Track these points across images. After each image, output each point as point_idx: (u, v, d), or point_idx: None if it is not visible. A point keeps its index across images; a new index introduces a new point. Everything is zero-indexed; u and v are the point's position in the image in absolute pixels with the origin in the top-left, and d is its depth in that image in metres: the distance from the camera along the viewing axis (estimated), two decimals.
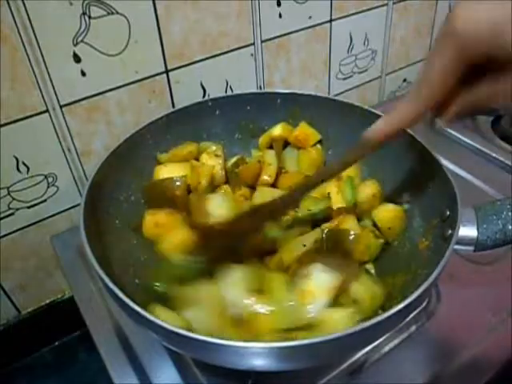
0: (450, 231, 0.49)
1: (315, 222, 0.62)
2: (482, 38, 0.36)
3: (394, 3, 0.95)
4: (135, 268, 0.56)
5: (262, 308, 0.48)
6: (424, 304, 0.62)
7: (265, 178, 0.68)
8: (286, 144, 0.72)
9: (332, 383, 0.55)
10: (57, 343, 0.85)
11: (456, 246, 0.47)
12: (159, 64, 0.72)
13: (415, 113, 0.43)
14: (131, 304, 0.43)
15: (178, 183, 0.62)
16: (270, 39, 0.81)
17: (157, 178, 0.65)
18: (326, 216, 0.62)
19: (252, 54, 0.81)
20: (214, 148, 0.69)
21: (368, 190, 0.63)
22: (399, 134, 0.46)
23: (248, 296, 0.49)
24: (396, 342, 0.59)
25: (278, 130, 0.71)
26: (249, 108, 0.72)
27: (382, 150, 0.65)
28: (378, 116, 0.64)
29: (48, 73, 0.63)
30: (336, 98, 0.73)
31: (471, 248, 0.49)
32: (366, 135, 0.47)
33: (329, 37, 0.90)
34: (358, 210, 0.63)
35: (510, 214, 0.47)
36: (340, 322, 0.47)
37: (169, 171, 0.65)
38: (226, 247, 0.55)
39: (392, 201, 0.63)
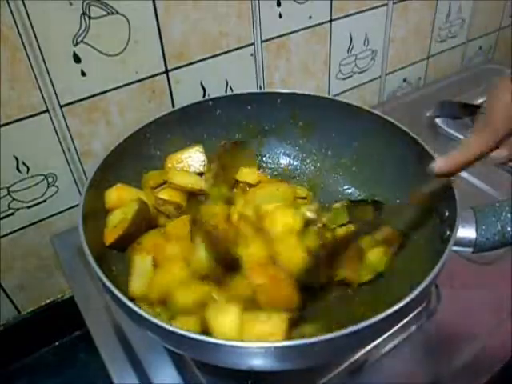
0: (448, 232, 0.49)
1: None
2: None
3: (393, 3, 0.95)
4: None
5: None
6: (424, 304, 0.62)
7: None
8: None
9: (332, 383, 0.55)
10: (57, 343, 0.85)
11: (455, 247, 0.47)
12: (159, 64, 0.72)
13: (480, 149, 0.45)
14: (130, 304, 0.43)
15: None
16: (269, 39, 0.81)
17: None
18: None
19: (252, 54, 0.81)
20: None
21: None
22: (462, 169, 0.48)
23: None
24: (396, 342, 0.59)
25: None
26: (249, 108, 0.72)
27: (381, 149, 0.66)
28: (378, 116, 0.64)
29: (48, 73, 0.63)
30: (336, 98, 0.73)
31: (470, 249, 0.49)
32: (433, 170, 0.49)
33: (329, 37, 0.90)
34: None
35: (509, 215, 0.47)
36: None
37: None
38: None
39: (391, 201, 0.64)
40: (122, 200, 0.58)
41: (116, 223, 0.56)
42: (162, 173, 0.66)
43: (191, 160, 0.69)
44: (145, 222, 0.58)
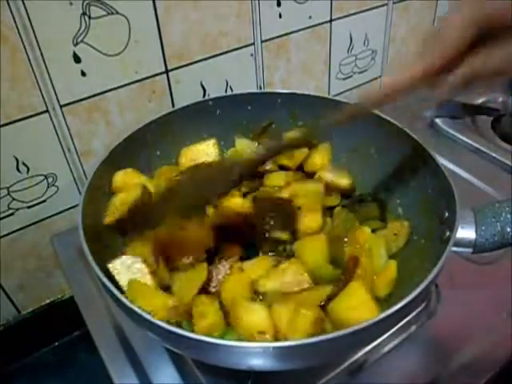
0: (448, 233, 0.49)
1: None
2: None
3: (394, 3, 0.95)
4: None
5: None
6: (424, 304, 0.62)
7: None
8: None
9: (332, 383, 0.55)
10: (57, 343, 0.85)
11: (454, 248, 0.47)
12: (159, 64, 0.72)
13: (422, 72, 0.42)
14: (130, 304, 0.43)
15: None
16: (270, 39, 0.81)
17: None
18: None
19: (252, 54, 0.81)
20: None
21: None
22: (400, 96, 0.45)
23: None
24: (396, 342, 0.59)
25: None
26: (249, 108, 0.72)
27: (381, 150, 0.66)
28: (377, 116, 0.64)
29: (48, 73, 0.63)
30: (336, 98, 0.73)
31: (469, 250, 0.49)
32: (367, 94, 0.46)
33: (329, 37, 0.90)
34: None
35: (508, 216, 0.47)
36: None
37: None
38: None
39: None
40: (127, 184, 0.60)
41: (118, 206, 0.58)
42: (174, 168, 0.68)
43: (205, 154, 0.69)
44: (146, 209, 0.58)
